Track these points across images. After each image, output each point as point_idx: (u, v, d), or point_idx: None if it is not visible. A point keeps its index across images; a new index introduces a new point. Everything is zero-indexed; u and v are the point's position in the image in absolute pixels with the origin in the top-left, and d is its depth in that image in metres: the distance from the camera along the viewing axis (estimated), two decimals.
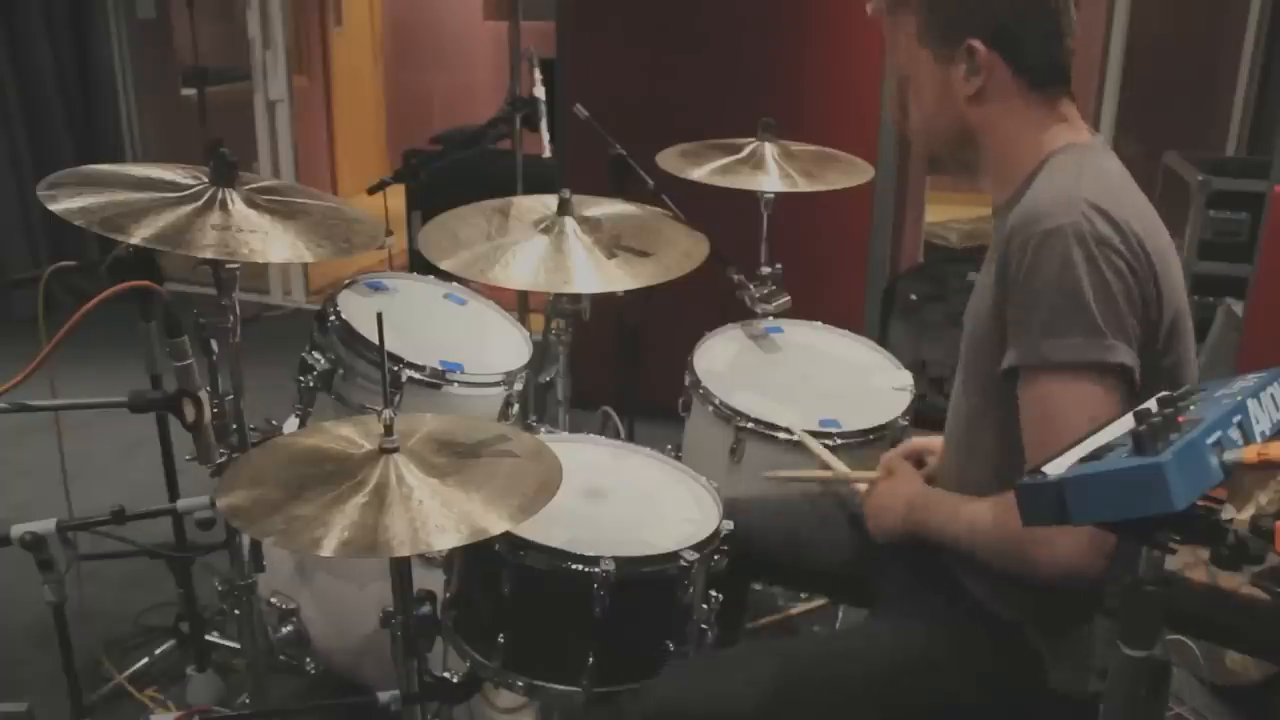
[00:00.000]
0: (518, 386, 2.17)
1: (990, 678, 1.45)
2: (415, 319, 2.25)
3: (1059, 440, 1.07)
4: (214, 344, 1.86)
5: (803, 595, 2.51)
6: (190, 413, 1.60)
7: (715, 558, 1.64)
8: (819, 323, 2.52)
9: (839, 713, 1.46)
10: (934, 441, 1.72)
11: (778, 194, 2.49)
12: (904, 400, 2.23)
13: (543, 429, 2.22)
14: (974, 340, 1.44)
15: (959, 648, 1.46)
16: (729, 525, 1.67)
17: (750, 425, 2.09)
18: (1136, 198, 1.37)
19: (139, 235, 1.63)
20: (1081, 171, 1.34)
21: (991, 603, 1.45)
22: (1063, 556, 1.26)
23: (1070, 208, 1.28)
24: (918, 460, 1.72)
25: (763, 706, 1.43)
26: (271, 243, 1.72)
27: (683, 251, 2.14)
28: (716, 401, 2.15)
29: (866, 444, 2.07)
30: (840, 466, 1.81)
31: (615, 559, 1.54)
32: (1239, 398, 0.96)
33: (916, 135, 1.50)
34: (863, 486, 1.68)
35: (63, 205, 1.67)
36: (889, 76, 1.52)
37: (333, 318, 2.08)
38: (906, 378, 2.33)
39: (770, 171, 2.48)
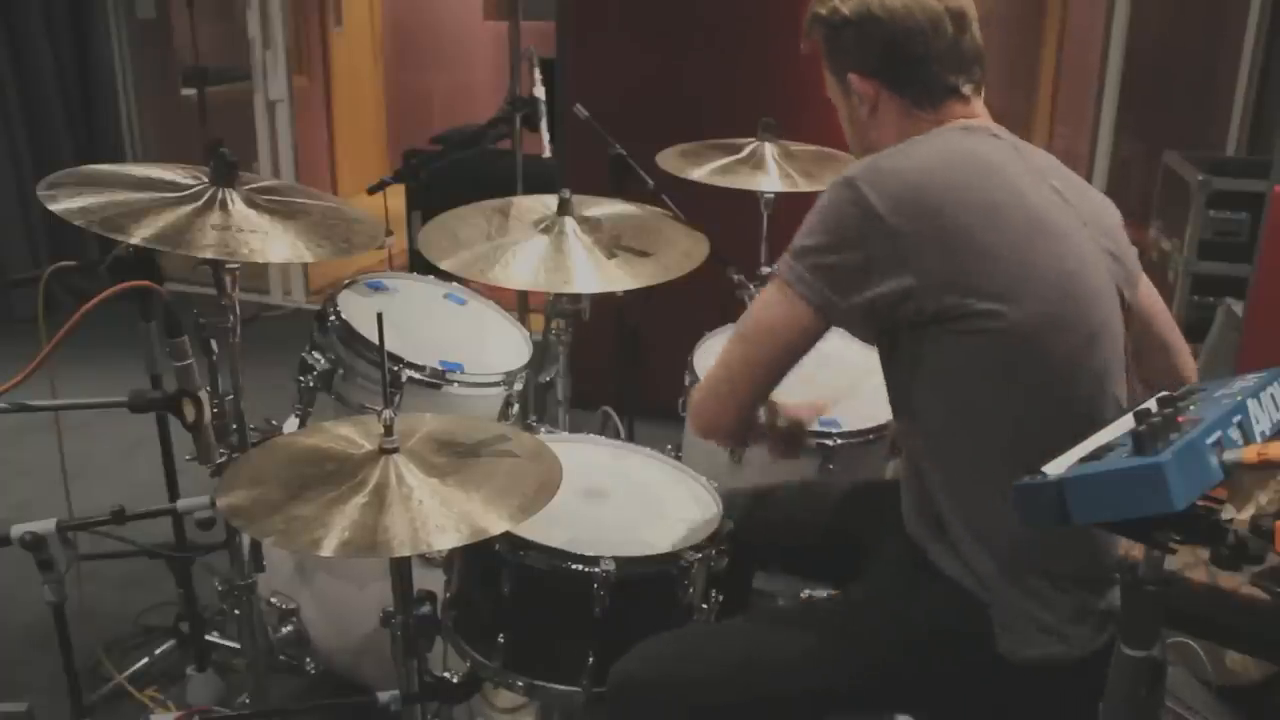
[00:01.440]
0: (518, 386, 2.17)
1: (946, 641, 1.46)
2: (415, 319, 2.25)
3: (750, 337, 1.45)
4: (214, 344, 1.86)
5: (803, 594, 2.50)
6: (190, 413, 1.60)
7: (715, 558, 1.64)
8: None
9: (798, 675, 1.46)
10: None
11: (778, 194, 2.49)
12: None
13: (543, 429, 2.22)
14: None
15: (927, 615, 1.48)
16: (729, 525, 1.68)
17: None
18: (968, 174, 1.41)
19: (139, 235, 1.63)
20: (911, 142, 1.46)
21: (953, 569, 1.47)
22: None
23: (867, 164, 1.40)
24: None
25: (723, 672, 1.46)
26: (271, 243, 1.72)
27: (683, 251, 2.14)
28: None
29: (866, 444, 2.06)
30: None
31: (615, 559, 1.54)
32: (1239, 398, 0.96)
33: (853, 149, 1.64)
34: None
35: (63, 205, 1.67)
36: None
37: (333, 318, 2.08)
38: None
39: (770, 171, 2.48)
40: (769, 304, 1.44)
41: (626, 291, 2.06)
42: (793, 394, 2.23)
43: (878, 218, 1.35)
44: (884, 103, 1.52)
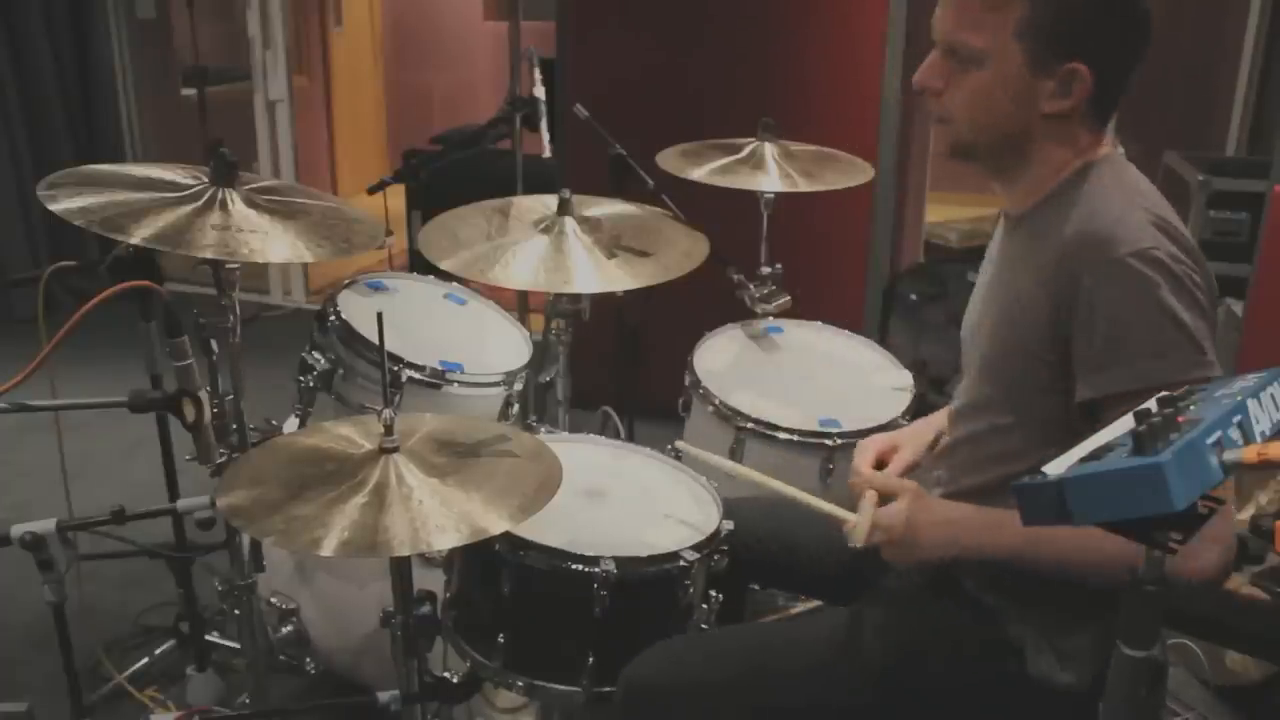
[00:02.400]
0: (518, 386, 2.17)
1: (969, 663, 1.46)
2: (415, 319, 2.25)
3: None
4: (214, 344, 1.86)
5: (801, 596, 2.51)
6: (190, 413, 1.60)
7: (715, 558, 1.64)
8: (819, 323, 2.52)
9: (809, 685, 1.46)
10: (887, 439, 1.69)
11: (778, 194, 2.49)
12: (904, 400, 2.23)
13: (543, 429, 2.22)
14: (1012, 351, 1.40)
15: (940, 633, 1.47)
16: (729, 525, 1.67)
17: (750, 425, 2.09)
18: (1171, 209, 1.36)
19: (139, 235, 1.63)
20: (1130, 187, 1.34)
21: (978, 591, 1.46)
22: (1210, 567, 1.24)
23: (1138, 229, 1.27)
24: (880, 463, 1.67)
25: (732, 681, 1.45)
26: (271, 243, 1.72)
27: (683, 251, 2.13)
28: (716, 401, 2.15)
29: None
30: (814, 501, 1.56)
31: (615, 559, 1.54)
32: (1239, 398, 0.96)
33: (962, 123, 1.39)
34: (846, 516, 1.47)
35: (63, 205, 1.67)
36: (942, 44, 1.38)
37: (333, 318, 2.08)
38: (906, 377, 2.33)
39: (770, 171, 2.48)
40: None
41: (626, 291, 2.06)
42: (793, 394, 2.24)
43: (1206, 274, 1.29)
44: (1077, 108, 1.34)
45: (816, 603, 2.52)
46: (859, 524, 1.43)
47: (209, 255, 1.66)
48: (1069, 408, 1.33)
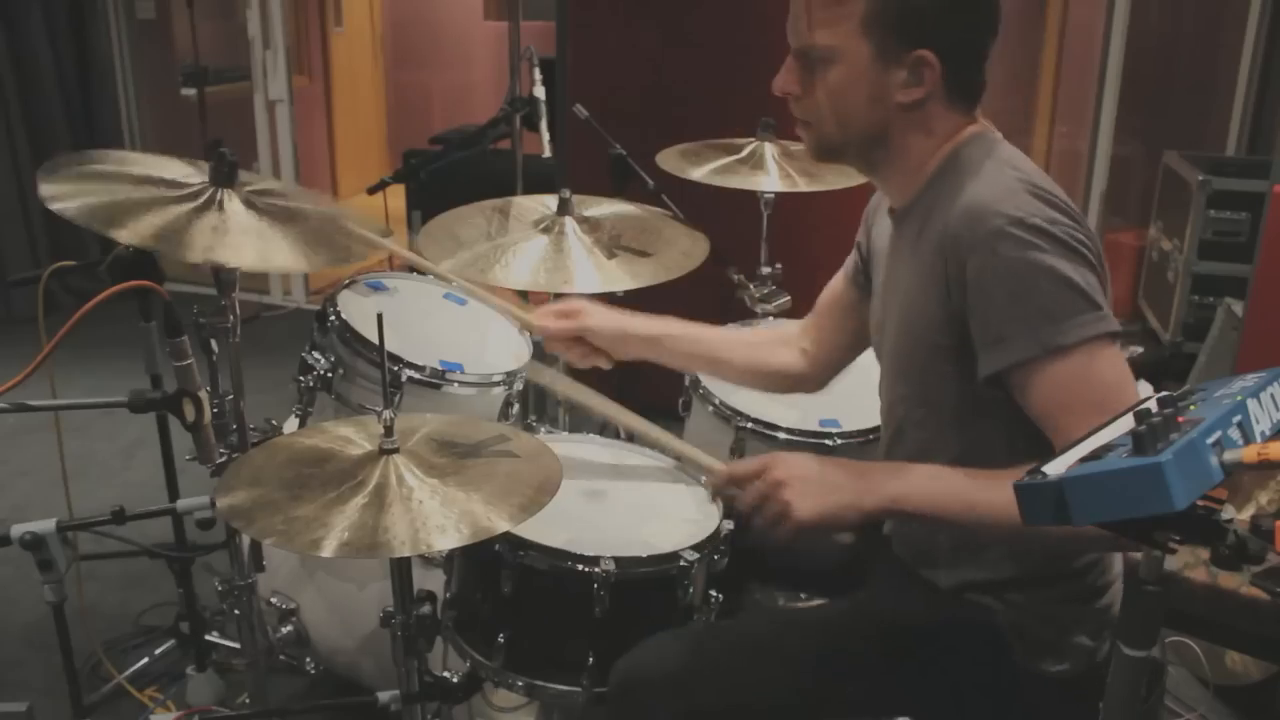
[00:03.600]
0: (518, 386, 2.17)
1: (961, 655, 1.46)
2: (415, 319, 2.25)
3: (1115, 406, 1.08)
4: (214, 344, 1.86)
5: (802, 595, 2.51)
6: (190, 413, 1.60)
7: (715, 558, 1.64)
8: None
9: (802, 677, 1.46)
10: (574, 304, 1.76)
11: (778, 194, 2.49)
12: None
13: (543, 429, 2.22)
14: (910, 344, 1.42)
15: (933, 625, 1.47)
16: (729, 525, 1.67)
17: (750, 425, 2.09)
18: (1047, 176, 1.37)
19: (137, 235, 1.63)
20: (1003, 160, 1.35)
21: (969, 584, 1.46)
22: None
23: (1014, 197, 1.28)
24: (577, 332, 1.76)
25: (727, 673, 1.45)
26: (268, 248, 1.71)
27: (683, 251, 2.13)
28: (716, 401, 2.15)
29: (866, 444, 2.06)
30: (676, 444, 1.66)
31: (615, 559, 1.54)
32: (1239, 398, 0.96)
33: (823, 124, 1.40)
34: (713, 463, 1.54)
35: (62, 205, 1.67)
36: (795, 48, 1.40)
37: (333, 318, 2.08)
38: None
39: (770, 171, 2.48)
40: (1111, 368, 1.27)
41: (626, 291, 2.06)
42: (793, 395, 2.23)
43: (1088, 232, 1.30)
44: (931, 94, 1.35)
45: (816, 602, 2.53)
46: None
47: (203, 260, 1.66)
48: (977, 392, 1.33)
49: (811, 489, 1.36)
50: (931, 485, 1.34)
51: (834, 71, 1.36)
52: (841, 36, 1.34)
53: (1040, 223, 1.26)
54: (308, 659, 2.21)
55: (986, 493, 1.28)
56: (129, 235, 1.62)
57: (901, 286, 1.44)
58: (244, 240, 1.70)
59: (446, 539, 1.32)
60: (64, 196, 1.68)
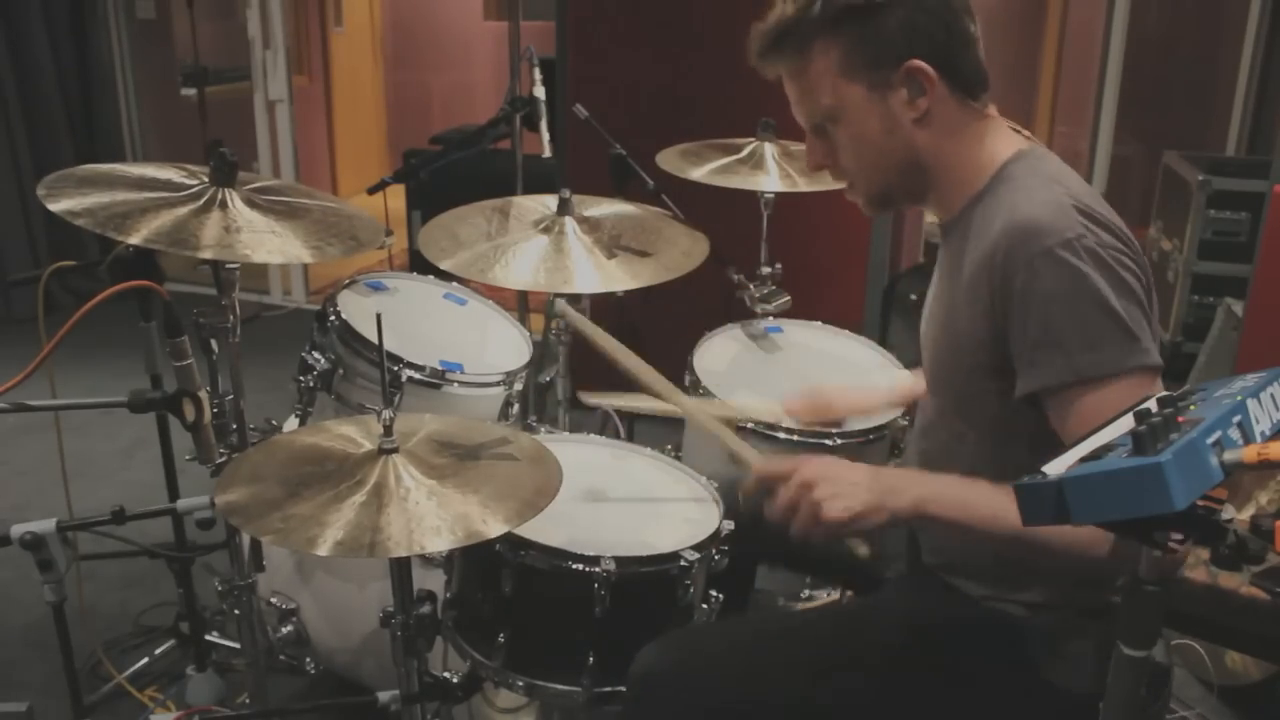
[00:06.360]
0: (518, 386, 2.17)
1: (975, 659, 1.45)
2: (415, 319, 2.25)
3: None
4: (214, 344, 1.86)
5: (803, 595, 2.51)
6: (190, 413, 1.60)
7: (715, 558, 1.64)
8: (819, 323, 2.51)
9: (823, 678, 1.45)
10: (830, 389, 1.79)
11: (778, 194, 2.49)
12: None
13: (543, 429, 2.21)
14: (951, 360, 1.41)
15: (948, 629, 1.47)
16: (729, 525, 1.67)
17: (750, 425, 2.09)
18: (1097, 194, 1.37)
19: (138, 235, 1.63)
20: (1051, 178, 1.34)
21: (984, 589, 1.45)
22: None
23: (1063, 218, 1.26)
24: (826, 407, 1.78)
25: (747, 671, 1.45)
26: (271, 243, 1.72)
27: (683, 251, 2.13)
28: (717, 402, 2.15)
29: (867, 444, 2.06)
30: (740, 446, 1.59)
31: (615, 559, 1.54)
32: (1239, 398, 0.96)
33: (860, 177, 1.44)
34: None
35: (63, 205, 1.67)
36: (807, 127, 1.45)
37: (333, 318, 2.08)
38: (906, 377, 2.33)
39: (770, 171, 2.48)
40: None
41: (626, 291, 2.06)
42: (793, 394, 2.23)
43: (1137, 255, 1.29)
44: (938, 98, 1.35)
45: (817, 603, 2.54)
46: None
47: (208, 256, 1.66)
48: (1015, 408, 1.32)
49: (842, 490, 1.34)
50: (959, 493, 1.33)
51: (844, 125, 1.40)
52: (831, 93, 1.38)
53: (1091, 245, 1.25)
54: (308, 659, 2.21)
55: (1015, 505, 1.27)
56: (131, 237, 1.62)
57: (946, 300, 1.44)
58: (255, 237, 1.70)
59: (440, 541, 1.32)
60: (65, 199, 1.68)
